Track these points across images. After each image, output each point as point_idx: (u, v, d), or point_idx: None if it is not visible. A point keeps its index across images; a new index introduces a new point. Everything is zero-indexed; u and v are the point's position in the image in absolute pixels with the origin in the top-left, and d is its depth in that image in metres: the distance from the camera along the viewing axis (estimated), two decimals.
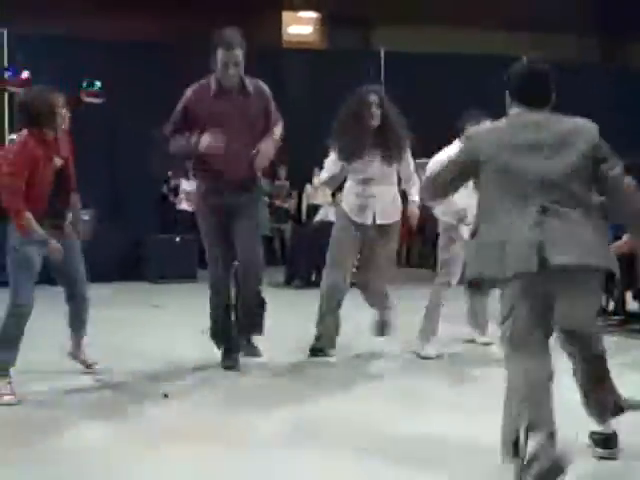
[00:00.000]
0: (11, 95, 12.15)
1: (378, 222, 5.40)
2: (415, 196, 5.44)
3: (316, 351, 5.47)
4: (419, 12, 14.38)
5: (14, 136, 13.04)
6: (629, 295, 7.05)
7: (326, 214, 10.43)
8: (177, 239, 10.62)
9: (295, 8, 16.02)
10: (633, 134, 13.99)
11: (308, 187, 12.83)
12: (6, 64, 12.32)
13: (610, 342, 5.94)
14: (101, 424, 3.85)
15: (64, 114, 4.53)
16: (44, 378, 4.72)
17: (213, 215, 4.97)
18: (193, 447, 3.44)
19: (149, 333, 6.34)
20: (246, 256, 4.91)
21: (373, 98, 5.33)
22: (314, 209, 11.82)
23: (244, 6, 13.55)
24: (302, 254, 10.09)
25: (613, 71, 15.90)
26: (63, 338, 4.84)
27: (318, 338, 5.48)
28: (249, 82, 4.95)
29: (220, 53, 4.79)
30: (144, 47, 12.67)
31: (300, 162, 12.19)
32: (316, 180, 12.34)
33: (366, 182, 5.39)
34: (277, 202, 12.78)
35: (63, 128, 4.57)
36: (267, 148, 4.91)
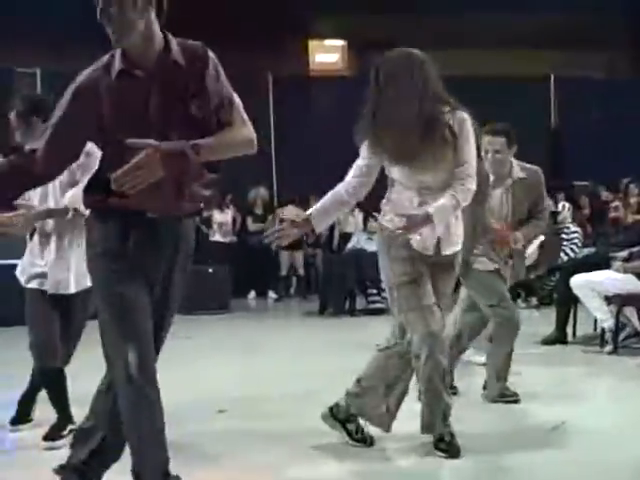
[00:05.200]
0: None
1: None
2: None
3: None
4: (446, 36, 14.36)
5: None
6: None
7: (357, 241, 10.40)
8: (210, 270, 10.61)
9: (321, 36, 16.09)
10: None
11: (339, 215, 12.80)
12: None
13: None
14: None
15: None
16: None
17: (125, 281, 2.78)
18: None
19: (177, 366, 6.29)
20: None
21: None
22: (345, 237, 11.75)
23: (270, 36, 13.63)
24: (334, 283, 10.03)
25: None
26: None
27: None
28: (176, 44, 2.81)
29: None
30: None
31: (330, 190, 12.15)
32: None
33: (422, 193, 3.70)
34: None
35: None
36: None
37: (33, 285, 4.04)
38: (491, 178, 4.72)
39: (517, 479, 3.38)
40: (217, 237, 12.15)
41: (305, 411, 4.43)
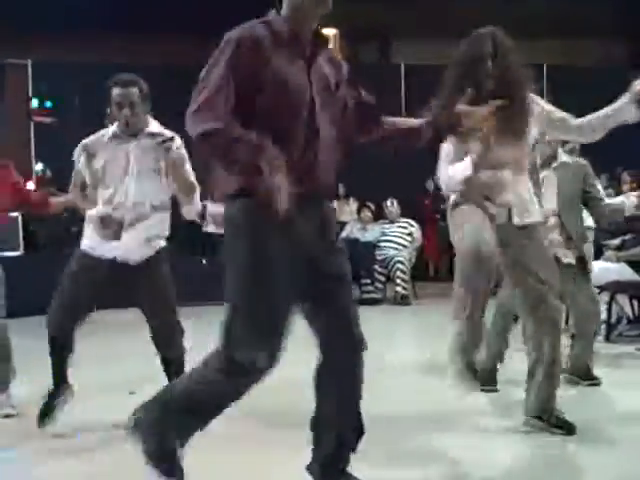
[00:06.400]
0: (37, 125, 12.32)
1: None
2: None
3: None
4: (440, 25, 14.33)
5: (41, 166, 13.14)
6: None
7: (351, 231, 10.38)
8: (203, 261, 10.58)
9: None
10: None
11: (334, 203, 12.78)
12: (30, 94, 12.46)
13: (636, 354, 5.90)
14: None
15: None
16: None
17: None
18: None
19: None
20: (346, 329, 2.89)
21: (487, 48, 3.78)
22: (340, 226, 11.75)
23: None
24: None
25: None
26: None
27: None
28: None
29: None
30: (167, 70, 12.54)
31: None
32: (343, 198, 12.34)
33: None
34: None
35: None
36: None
37: None
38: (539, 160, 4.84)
39: (509, 466, 3.40)
40: (211, 228, 12.10)
41: (299, 397, 4.43)
